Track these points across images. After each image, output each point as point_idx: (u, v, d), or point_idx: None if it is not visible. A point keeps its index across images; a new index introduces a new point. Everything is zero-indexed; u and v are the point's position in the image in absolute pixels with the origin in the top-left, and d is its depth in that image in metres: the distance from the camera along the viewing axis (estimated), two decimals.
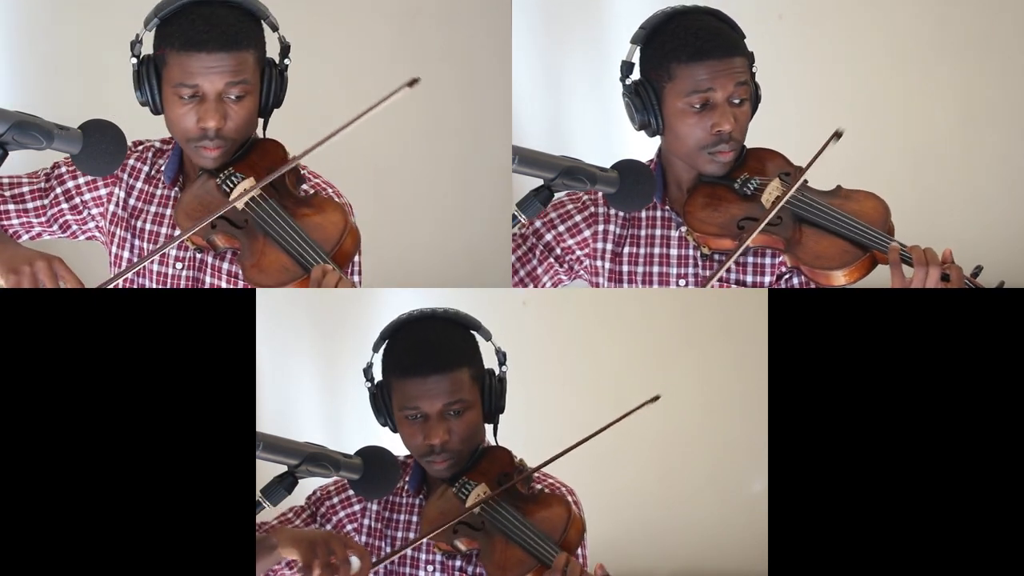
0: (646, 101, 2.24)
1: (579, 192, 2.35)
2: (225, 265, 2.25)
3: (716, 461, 3.31)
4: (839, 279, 2.16)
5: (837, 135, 2.15)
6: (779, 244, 2.20)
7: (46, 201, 2.32)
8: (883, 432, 2.10)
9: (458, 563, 2.23)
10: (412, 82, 2.08)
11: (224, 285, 2.25)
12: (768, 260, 2.26)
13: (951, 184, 3.37)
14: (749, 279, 2.27)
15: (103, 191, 2.31)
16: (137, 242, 2.29)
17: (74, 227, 2.34)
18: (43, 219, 2.33)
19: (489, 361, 2.29)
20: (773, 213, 2.18)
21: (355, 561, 2.05)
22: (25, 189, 2.32)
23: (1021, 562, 2.07)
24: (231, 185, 2.18)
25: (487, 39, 3.26)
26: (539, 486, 2.27)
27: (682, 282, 2.29)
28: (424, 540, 2.17)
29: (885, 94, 3.25)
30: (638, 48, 2.26)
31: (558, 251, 2.35)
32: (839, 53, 3.31)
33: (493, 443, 2.29)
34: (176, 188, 2.29)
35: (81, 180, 2.31)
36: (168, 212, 2.29)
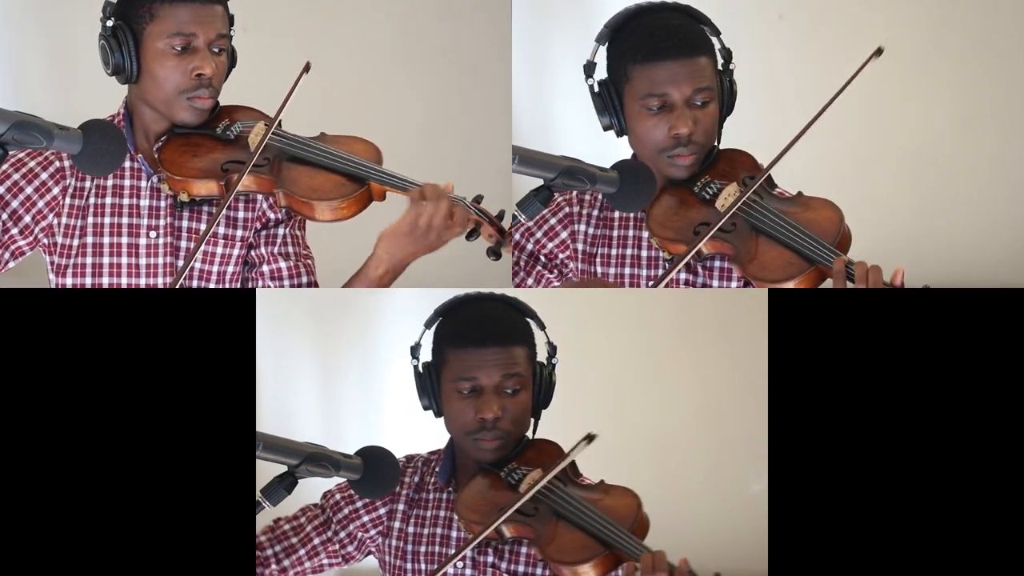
0: (607, 102, 2.22)
1: (556, 195, 2.33)
2: (203, 227, 2.25)
3: (716, 461, 3.31)
4: None
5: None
6: (729, 251, 2.16)
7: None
8: (883, 432, 2.10)
9: (490, 559, 2.21)
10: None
11: (201, 247, 2.24)
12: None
13: (950, 185, 3.37)
14: (715, 283, 2.25)
15: (56, 189, 2.26)
16: (107, 220, 2.26)
17: (26, 248, 2.27)
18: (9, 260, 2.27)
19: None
20: (724, 219, 2.13)
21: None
22: None
23: (1021, 562, 2.07)
24: (235, 132, 2.26)
25: (487, 39, 3.26)
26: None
27: (651, 284, 2.27)
28: (482, 533, 2.11)
29: (885, 94, 3.25)
30: (604, 47, 2.23)
31: (542, 258, 2.34)
32: (839, 53, 3.31)
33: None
34: (140, 156, 2.27)
35: (29, 189, 2.24)
36: (129, 183, 2.26)
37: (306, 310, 3.30)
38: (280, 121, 2.27)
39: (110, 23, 2.21)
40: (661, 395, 3.30)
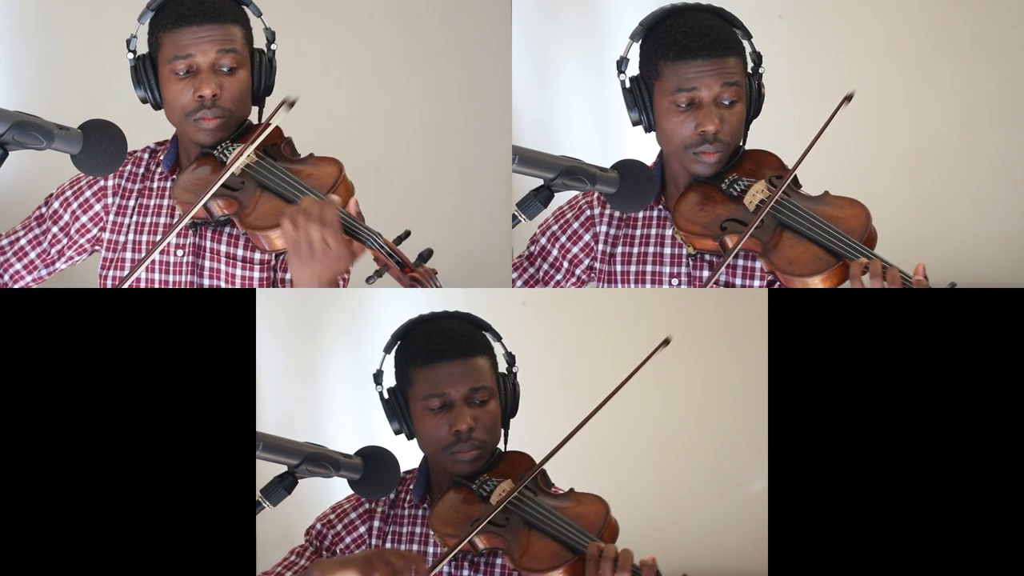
0: (637, 98, 2.25)
1: (577, 197, 2.36)
2: (223, 247, 2.27)
3: (716, 461, 3.31)
4: (814, 286, 2.15)
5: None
6: (757, 247, 2.19)
7: (45, 244, 2.37)
8: (883, 432, 2.10)
9: (466, 573, 2.22)
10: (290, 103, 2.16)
11: (223, 268, 2.27)
12: (759, 264, 2.26)
13: (951, 184, 3.37)
14: (738, 282, 2.27)
15: (98, 206, 2.36)
16: (144, 237, 2.33)
17: (75, 255, 2.39)
18: (48, 263, 2.39)
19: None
20: (760, 219, 2.17)
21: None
22: (23, 241, 2.38)
23: (1021, 562, 2.08)
24: (227, 155, 2.24)
25: (487, 39, 3.26)
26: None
27: (675, 281, 2.29)
28: (456, 545, 2.12)
29: (885, 94, 3.25)
30: (636, 44, 2.26)
31: (565, 264, 2.36)
32: (839, 53, 3.31)
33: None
34: (173, 177, 2.33)
35: (75, 205, 2.36)
36: (167, 203, 2.33)
37: (306, 310, 3.30)
38: (287, 142, 2.26)
39: (130, 56, 2.26)
40: (661, 395, 3.30)
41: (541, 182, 2.22)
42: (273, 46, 2.30)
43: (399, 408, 2.24)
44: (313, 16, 3.25)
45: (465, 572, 2.21)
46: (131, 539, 2.06)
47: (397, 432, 2.26)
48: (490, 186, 3.23)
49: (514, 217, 2.23)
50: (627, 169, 2.24)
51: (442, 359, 2.20)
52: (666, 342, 2.13)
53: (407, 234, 2.10)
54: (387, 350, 2.27)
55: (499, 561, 2.21)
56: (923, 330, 2.10)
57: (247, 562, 2.08)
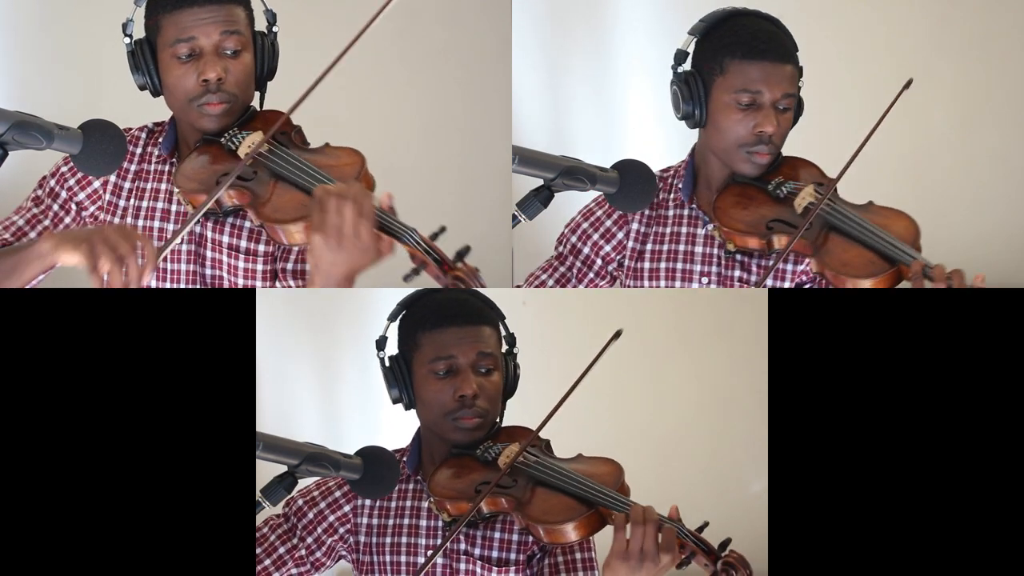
0: (694, 92, 2.26)
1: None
2: (225, 238, 2.24)
3: (716, 461, 3.31)
4: (865, 287, 2.16)
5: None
6: (807, 249, 2.20)
7: (47, 222, 2.33)
8: (883, 432, 2.10)
9: (462, 546, 2.21)
10: None
11: (224, 259, 2.24)
12: (790, 267, 2.27)
13: (951, 184, 3.37)
14: (768, 283, 2.28)
15: (96, 183, 2.31)
16: (140, 222, 2.29)
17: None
18: None
19: None
20: (809, 221, 2.18)
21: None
22: (21, 223, 2.32)
23: (1021, 562, 2.07)
24: (236, 143, 2.18)
25: (487, 39, 3.26)
26: None
27: (704, 280, 2.31)
28: (472, 508, 2.12)
29: (885, 94, 3.25)
30: (694, 40, 2.28)
31: (599, 261, 2.37)
32: (839, 53, 3.31)
33: None
34: (172, 161, 2.28)
35: (72, 181, 2.31)
36: (165, 187, 2.28)
37: (306, 310, 3.30)
38: (297, 130, 2.22)
39: (127, 41, 2.20)
40: (661, 395, 3.30)
41: (541, 182, 2.23)
42: (275, 28, 2.26)
43: (401, 375, 2.24)
44: (313, 16, 3.25)
45: (461, 545, 2.21)
46: (131, 539, 2.06)
47: (396, 401, 2.25)
48: (490, 186, 3.23)
49: (514, 217, 2.23)
50: (627, 169, 2.25)
51: (452, 324, 2.21)
52: (617, 335, 2.16)
53: (443, 230, 2.04)
54: (392, 318, 2.27)
55: (496, 535, 2.20)
56: (923, 330, 2.10)
57: (247, 562, 2.08)
